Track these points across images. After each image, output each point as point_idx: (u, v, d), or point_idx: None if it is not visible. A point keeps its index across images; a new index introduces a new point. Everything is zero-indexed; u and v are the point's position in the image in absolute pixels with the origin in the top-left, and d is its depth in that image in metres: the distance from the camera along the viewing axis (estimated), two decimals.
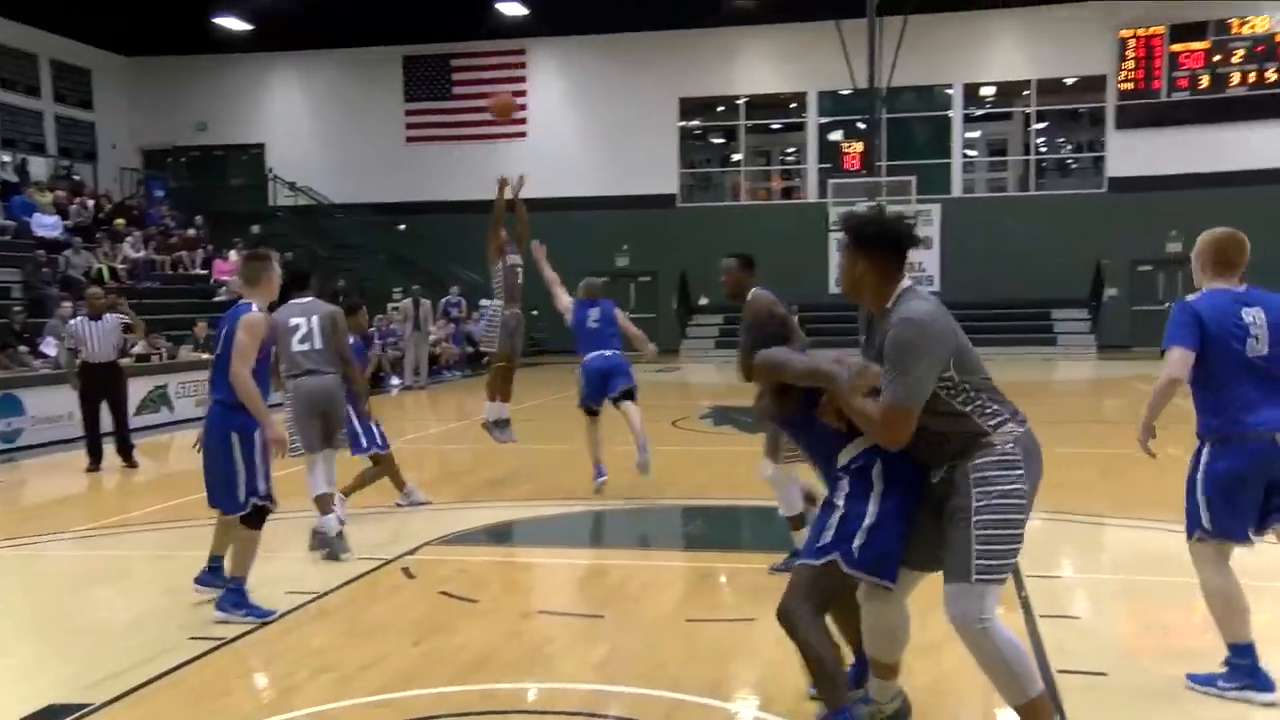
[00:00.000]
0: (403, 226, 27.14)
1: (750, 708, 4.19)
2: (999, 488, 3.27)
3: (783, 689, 4.25)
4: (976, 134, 28.04)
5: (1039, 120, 27.07)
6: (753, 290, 6.09)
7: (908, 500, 3.38)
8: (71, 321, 11.15)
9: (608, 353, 8.74)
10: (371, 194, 27.69)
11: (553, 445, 10.04)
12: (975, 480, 3.28)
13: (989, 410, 3.34)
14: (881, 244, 3.44)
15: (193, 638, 5.08)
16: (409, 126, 28.63)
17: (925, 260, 25.96)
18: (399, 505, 8.20)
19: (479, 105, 28.53)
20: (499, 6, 25.19)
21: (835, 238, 23.73)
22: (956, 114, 26.81)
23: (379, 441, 7.95)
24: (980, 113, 27.46)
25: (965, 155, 27.35)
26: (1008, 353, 23.46)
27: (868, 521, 3.32)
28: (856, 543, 3.31)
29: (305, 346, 6.87)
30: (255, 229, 25.35)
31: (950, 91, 26.70)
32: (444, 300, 23.60)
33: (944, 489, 3.36)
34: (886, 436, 3.30)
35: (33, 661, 4.99)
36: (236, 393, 5.24)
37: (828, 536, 3.36)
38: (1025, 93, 26.65)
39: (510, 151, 28.19)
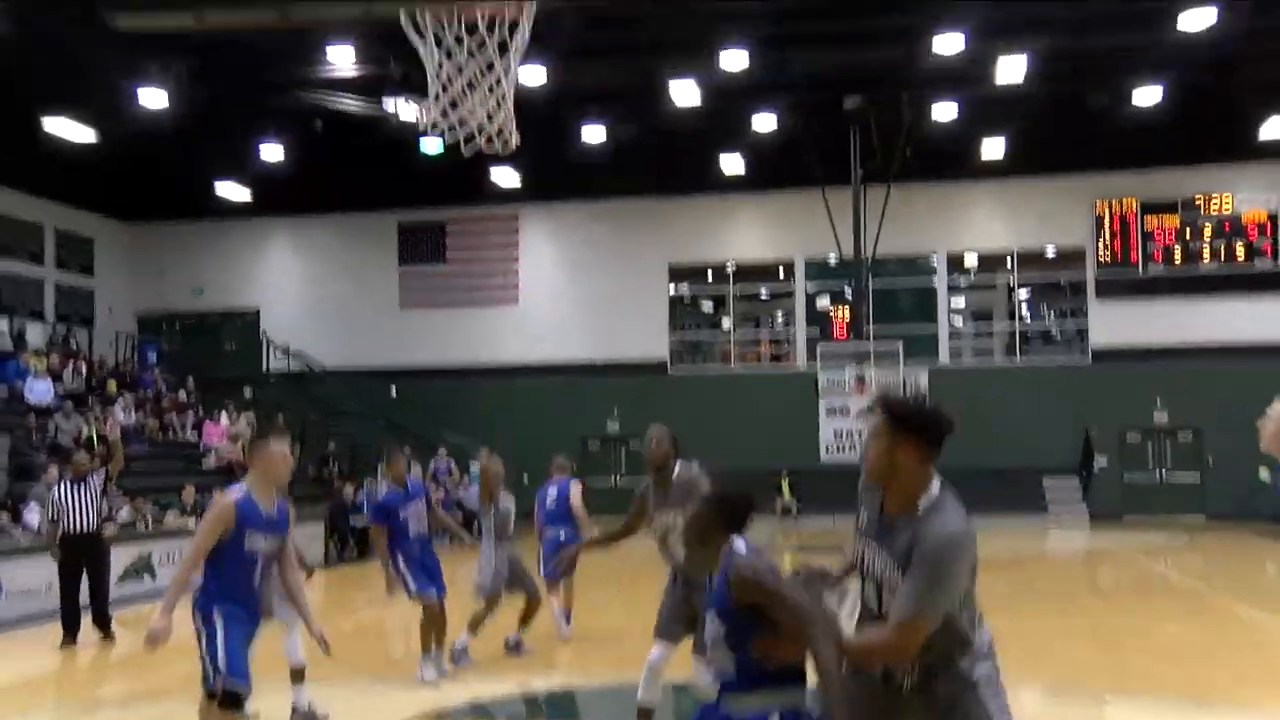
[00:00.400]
0: (394, 391, 27.26)
1: None
2: (995, 683, 3.23)
3: None
4: (961, 302, 28.54)
5: (1021, 289, 27.62)
6: (680, 462, 6.01)
7: None
8: (53, 489, 10.99)
9: (562, 535, 9.65)
10: (364, 358, 27.92)
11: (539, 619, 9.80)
12: (979, 682, 3.20)
13: (975, 613, 3.27)
14: (923, 433, 3.23)
15: None
16: (403, 290, 29.07)
17: None
18: (422, 675, 7.99)
19: (473, 270, 29.30)
20: (493, 174, 25.96)
21: (824, 404, 23.92)
22: (941, 283, 27.38)
23: (409, 586, 8.05)
24: (964, 282, 28.05)
25: (951, 323, 27.79)
26: (999, 521, 23.25)
27: None
28: None
29: None
30: (247, 393, 25.45)
31: (934, 260, 27.33)
32: (433, 464, 23.52)
33: (937, 698, 3.22)
34: (896, 652, 3.14)
35: None
36: None
37: None
38: (1007, 263, 27.29)
39: (502, 316, 28.64)
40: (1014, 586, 13.27)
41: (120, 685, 8.57)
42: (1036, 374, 26.31)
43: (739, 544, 3.37)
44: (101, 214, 27.86)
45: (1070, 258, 26.71)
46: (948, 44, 18.21)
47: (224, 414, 23.18)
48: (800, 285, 28.13)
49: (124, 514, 15.31)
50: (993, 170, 25.50)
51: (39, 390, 19.67)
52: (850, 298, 25.89)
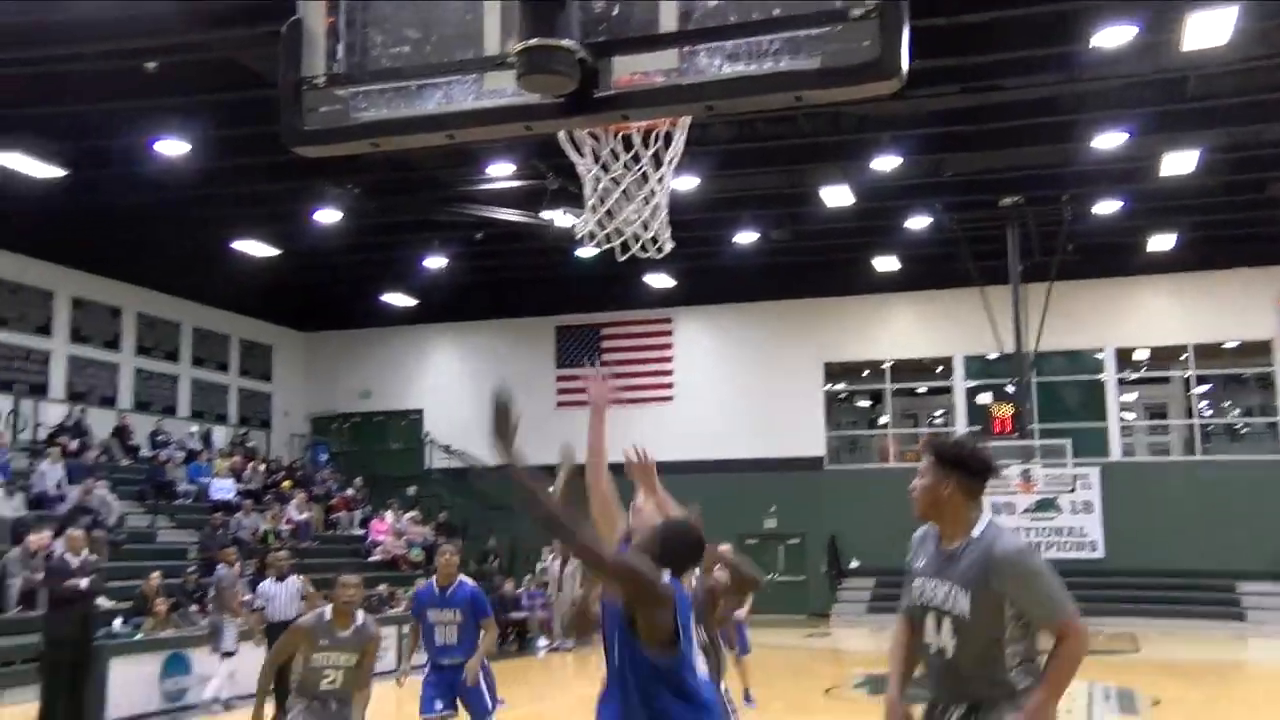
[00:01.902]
0: (553, 489, 27.60)
1: None
2: None
3: None
4: (1133, 397, 27.35)
5: (1200, 384, 26.24)
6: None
7: None
8: (262, 584, 11.86)
9: None
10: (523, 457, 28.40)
11: None
12: None
13: (1030, 663, 3.39)
14: (964, 468, 3.55)
15: None
16: (560, 392, 29.65)
17: (1087, 525, 24.88)
18: None
19: (627, 371, 29.71)
20: (648, 279, 26.47)
21: (988, 502, 23.15)
22: (1110, 378, 26.28)
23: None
24: (1135, 376, 26.88)
25: (1122, 419, 26.59)
26: (1188, 626, 21.80)
27: None
28: None
29: None
30: (411, 491, 26.26)
31: (1101, 355, 26.32)
32: None
33: None
34: (1083, 651, 3.35)
35: None
36: None
37: None
38: (1183, 356, 26.04)
39: (657, 415, 28.81)
40: (1211, 693, 12.41)
41: None
42: (1222, 471, 24.76)
43: None
44: (280, 324, 29.59)
45: (1255, 351, 25.29)
46: (1108, 141, 17.77)
47: (389, 511, 23.99)
48: (959, 382, 27.51)
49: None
50: (1163, 264, 24.54)
51: (223, 489, 20.83)
52: (1013, 394, 25.14)
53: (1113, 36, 14.18)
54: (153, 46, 13.81)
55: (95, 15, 12.84)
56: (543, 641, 20.04)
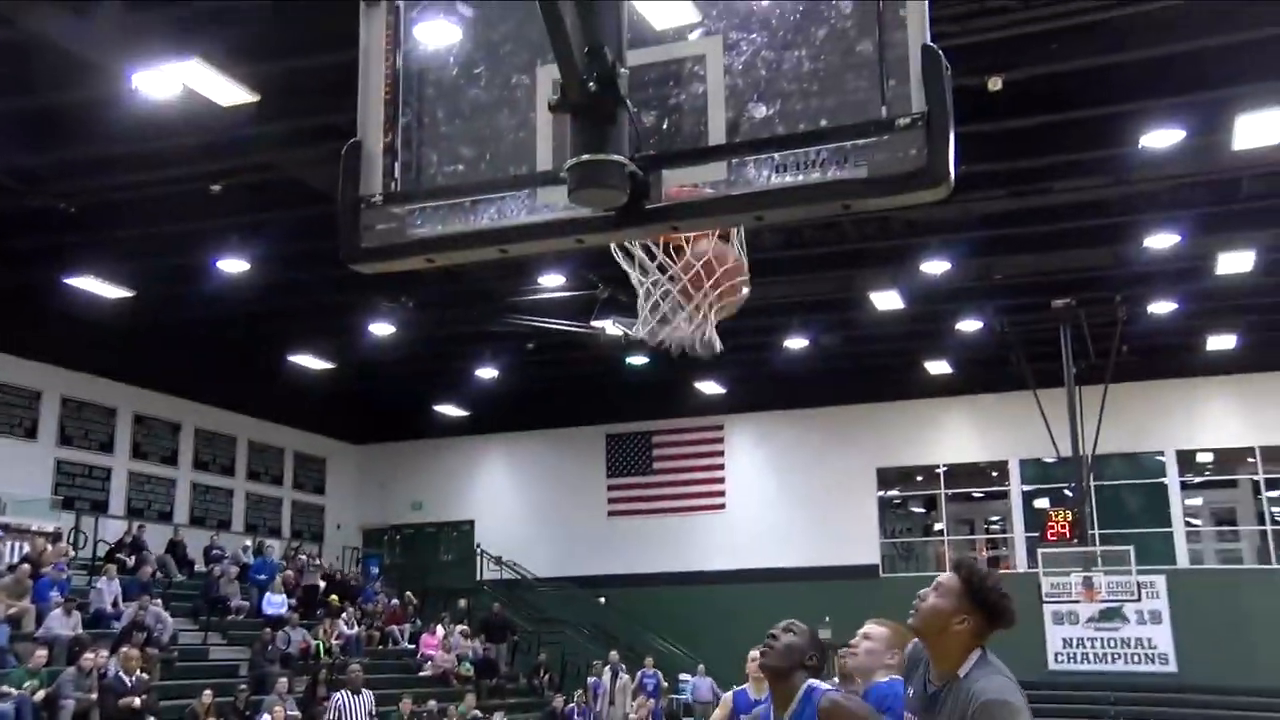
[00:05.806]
0: (603, 599, 27.32)
1: None
2: None
3: None
4: (1198, 501, 26.60)
5: (1270, 488, 25.41)
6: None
7: None
8: (335, 695, 11.83)
9: None
10: (573, 567, 28.21)
11: None
12: None
13: None
14: (990, 614, 3.23)
15: None
16: (611, 501, 29.50)
17: (1156, 636, 24.03)
18: None
19: (679, 479, 29.53)
20: (698, 387, 26.49)
21: (1049, 611, 22.46)
22: (1172, 481, 25.61)
23: None
24: (1199, 480, 26.18)
25: (1188, 524, 25.80)
26: None
27: None
28: None
29: None
30: (462, 603, 26.06)
31: (1162, 458, 25.71)
32: (640, 673, 23.15)
33: None
34: None
35: None
36: None
37: None
38: (1250, 460, 25.34)
39: (709, 523, 28.51)
40: None
41: None
42: None
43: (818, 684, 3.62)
44: (333, 437, 29.89)
45: None
46: (1161, 241, 17.63)
47: (439, 625, 23.76)
48: (1015, 486, 27.00)
49: None
50: (1224, 365, 24.09)
51: (275, 604, 20.77)
52: (1071, 498, 24.58)
53: (1162, 138, 14.18)
54: (219, 170, 14.34)
55: (169, 144, 13.41)
56: None
